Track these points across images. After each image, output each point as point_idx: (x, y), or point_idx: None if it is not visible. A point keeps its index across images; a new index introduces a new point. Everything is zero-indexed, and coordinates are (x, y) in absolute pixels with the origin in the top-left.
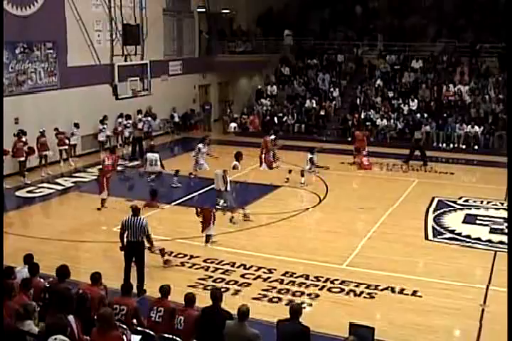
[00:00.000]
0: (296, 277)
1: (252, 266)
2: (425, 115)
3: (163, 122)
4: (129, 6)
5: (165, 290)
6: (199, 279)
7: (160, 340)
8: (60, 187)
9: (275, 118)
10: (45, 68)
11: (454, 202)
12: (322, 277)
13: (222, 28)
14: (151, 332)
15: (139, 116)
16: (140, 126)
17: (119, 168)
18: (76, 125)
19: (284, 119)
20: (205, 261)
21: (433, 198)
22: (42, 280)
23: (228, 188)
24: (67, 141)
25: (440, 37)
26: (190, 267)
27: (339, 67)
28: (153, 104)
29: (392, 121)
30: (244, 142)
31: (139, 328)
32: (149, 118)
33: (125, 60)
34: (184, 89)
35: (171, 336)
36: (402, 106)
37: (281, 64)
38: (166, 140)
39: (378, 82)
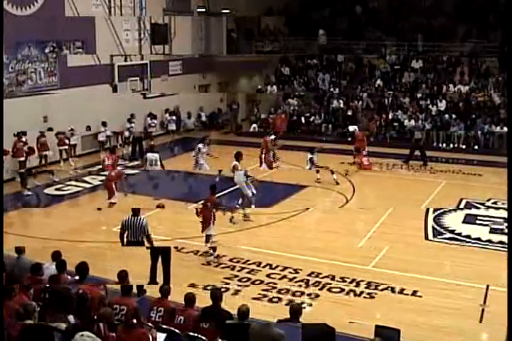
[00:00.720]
0: (296, 276)
1: (277, 266)
2: (453, 116)
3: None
4: (129, 6)
5: (165, 290)
6: (225, 278)
7: (186, 339)
8: (87, 185)
9: (302, 119)
10: (45, 68)
11: (482, 204)
12: (323, 275)
13: (249, 27)
14: (177, 331)
15: (166, 115)
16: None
17: (119, 168)
18: (104, 124)
19: (312, 119)
20: (231, 260)
21: (461, 200)
22: (69, 276)
23: (248, 188)
24: (66, 141)
25: (469, 37)
26: (216, 266)
27: (339, 67)
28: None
29: (420, 121)
30: (244, 142)
31: (164, 326)
32: (174, 117)
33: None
34: (184, 89)
35: (196, 335)
36: (430, 106)
37: (281, 64)
38: (166, 140)
39: (378, 82)
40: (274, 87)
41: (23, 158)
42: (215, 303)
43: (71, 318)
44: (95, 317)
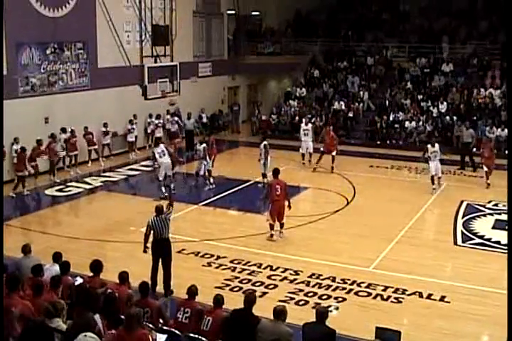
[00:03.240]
0: (322, 279)
1: (278, 267)
2: (454, 118)
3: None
4: (160, 8)
5: (192, 291)
6: (225, 280)
7: (186, 339)
8: (88, 187)
9: (303, 120)
10: (76, 69)
11: (483, 206)
12: (349, 279)
13: (250, 29)
14: (177, 332)
15: (168, 117)
16: (168, 126)
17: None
18: (105, 125)
19: (313, 121)
20: (231, 261)
21: (461, 202)
22: (70, 277)
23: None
24: (96, 141)
25: (471, 39)
26: (217, 267)
27: (369, 70)
28: (182, 105)
29: (420, 123)
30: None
31: (164, 327)
32: (176, 118)
33: (155, 61)
34: (213, 91)
35: (196, 336)
36: (431, 108)
37: (311, 66)
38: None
39: (408, 85)
40: (303, 89)
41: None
42: (246, 307)
43: (97, 317)
44: (123, 316)
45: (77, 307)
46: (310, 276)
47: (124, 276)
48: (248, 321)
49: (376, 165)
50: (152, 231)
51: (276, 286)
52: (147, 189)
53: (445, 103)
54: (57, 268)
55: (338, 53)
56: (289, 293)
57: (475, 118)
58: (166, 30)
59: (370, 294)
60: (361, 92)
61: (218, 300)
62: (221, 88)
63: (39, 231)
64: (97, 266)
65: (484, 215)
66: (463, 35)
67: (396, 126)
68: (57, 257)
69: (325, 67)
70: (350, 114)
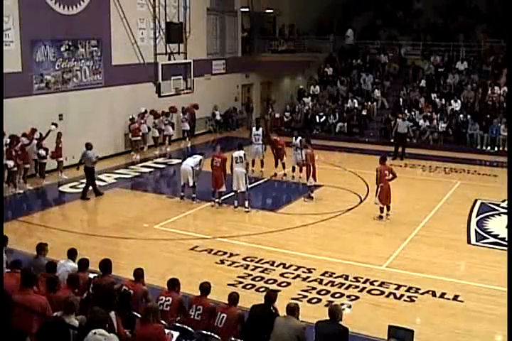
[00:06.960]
0: (335, 277)
1: (291, 265)
2: (469, 116)
3: (205, 120)
4: (173, 5)
5: (205, 288)
6: (238, 277)
7: (198, 336)
8: (102, 183)
9: (317, 117)
10: (90, 66)
11: (497, 205)
12: (362, 278)
13: (264, 26)
14: (190, 329)
15: (180, 115)
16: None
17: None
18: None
19: (324, 118)
20: (244, 259)
21: (475, 200)
22: (87, 274)
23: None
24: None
25: (486, 36)
26: (229, 265)
27: (382, 67)
28: (196, 102)
29: (434, 121)
30: None
31: (177, 324)
32: (186, 116)
33: (169, 59)
34: (226, 89)
35: (208, 332)
36: (445, 106)
37: (326, 64)
38: (208, 138)
39: (422, 83)
40: (317, 87)
41: (61, 158)
42: (266, 303)
43: (113, 314)
44: (142, 310)
45: (92, 304)
46: (323, 274)
47: (139, 273)
48: (268, 316)
49: (389, 163)
50: None
51: (289, 284)
52: (160, 186)
53: (459, 101)
54: (71, 264)
55: (352, 51)
56: (302, 291)
57: (489, 116)
58: (180, 27)
59: (382, 292)
60: (375, 90)
61: (234, 298)
62: (235, 86)
63: (52, 228)
64: (106, 265)
65: (498, 214)
66: (478, 33)
67: (410, 124)
68: (71, 253)
69: (338, 65)
70: (364, 112)
